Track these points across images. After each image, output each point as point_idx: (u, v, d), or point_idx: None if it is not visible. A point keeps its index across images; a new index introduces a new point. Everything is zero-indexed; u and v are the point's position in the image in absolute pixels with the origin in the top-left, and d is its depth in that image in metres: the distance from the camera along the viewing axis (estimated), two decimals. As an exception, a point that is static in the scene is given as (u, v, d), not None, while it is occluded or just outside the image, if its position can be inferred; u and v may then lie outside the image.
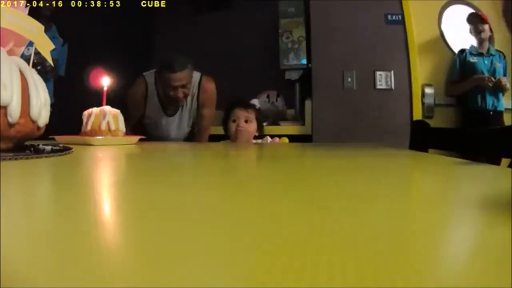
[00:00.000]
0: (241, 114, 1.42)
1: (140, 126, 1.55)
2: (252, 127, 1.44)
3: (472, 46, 2.19)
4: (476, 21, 2.16)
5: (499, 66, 2.15)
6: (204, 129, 1.61)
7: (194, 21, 2.65)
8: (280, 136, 1.47)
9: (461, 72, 2.17)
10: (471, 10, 2.34)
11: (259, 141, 1.44)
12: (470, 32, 2.21)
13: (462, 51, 2.21)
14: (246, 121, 1.42)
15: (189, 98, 1.55)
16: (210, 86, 1.58)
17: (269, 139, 1.44)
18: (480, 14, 2.16)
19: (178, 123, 1.60)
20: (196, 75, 1.55)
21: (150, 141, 1.20)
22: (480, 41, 2.16)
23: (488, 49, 2.16)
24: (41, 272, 0.11)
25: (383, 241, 0.15)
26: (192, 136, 1.65)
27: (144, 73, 1.56)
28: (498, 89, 2.12)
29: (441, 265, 0.13)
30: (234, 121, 1.42)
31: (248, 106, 1.47)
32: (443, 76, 2.26)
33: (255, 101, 1.50)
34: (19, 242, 0.14)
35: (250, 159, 0.74)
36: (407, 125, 1.97)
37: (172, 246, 0.14)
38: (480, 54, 2.16)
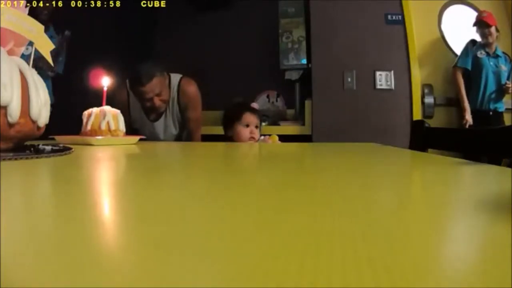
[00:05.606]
0: (253, 120, 1.43)
1: (131, 129, 1.54)
2: (259, 133, 1.45)
3: (481, 42, 2.18)
4: (482, 26, 2.15)
5: (504, 69, 2.14)
6: (193, 132, 1.59)
7: (194, 21, 2.65)
8: (270, 135, 1.47)
9: (470, 63, 2.16)
10: (471, 10, 2.34)
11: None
12: (477, 32, 2.20)
13: (473, 42, 2.19)
14: (255, 127, 1.44)
15: (170, 102, 1.53)
16: (190, 88, 1.54)
17: (261, 137, 1.46)
18: (486, 15, 2.14)
19: (164, 127, 1.58)
20: (176, 78, 1.53)
21: None
22: (487, 44, 2.15)
23: (495, 50, 2.16)
24: (41, 272, 0.11)
25: (383, 241, 0.15)
26: (181, 139, 1.63)
27: (127, 80, 1.53)
28: (500, 91, 2.12)
29: (441, 265, 0.13)
30: (246, 126, 1.42)
31: (257, 112, 1.47)
32: (443, 76, 2.27)
33: (255, 105, 1.50)
34: (19, 242, 0.14)
35: (250, 159, 0.74)
36: (407, 125, 1.97)
37: (173, 245, 0.14)
38: (486, 53, 2.16)
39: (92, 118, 0.91)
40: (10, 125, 0.49)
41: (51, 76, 1.99)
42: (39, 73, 0.57)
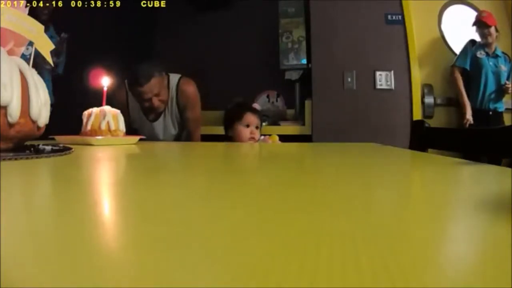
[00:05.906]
0: (254, 120, 1.43)
1: (131, 129, 1.53)
2: (259, 133, 1.46)
3: (480, 42, 2.19)
4: (482, 26, 2.15)
5: (504, 69, 2.14)
6: (193, 132, 1.58)
7: (194, 21, 2.66)
8: (270, 135, 1.48)
9: (469, 63, 2.16)
10: (471, 10, 2.34)
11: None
12: (476, 32, 2.20)
13: (473, 42, 2.20)
14: (256, 127, 1.44)
15: (169, 102, 1.53)
16: (189, 88, 1.53)
17: (261, 137, 1.46)
18: (486, 15, 2.14)
19: (163, 127, 1.58)
20: (174, 78, 1.52)
21: None
22: (487, 44, 2.16)
23: (494, 50, 2.16)
24: (41, 272, 0.11)
25: (383, 241, 0.15)
26: (180, 139, 1.62)
27: (125, 80, 1.52)
28: (500, 91, 2.12)
29: (441, 265, 0.13)
30: (247, 126, 1.42)
31: (258, 113, 1.48)
32: (443, 76, 2.27)
33: (256, 105, 1.50)
34: (19, 242, 0.14)
35: (250, 159, 0.74)
36: (407, 125, 1.97)
37: (173, 245, 0.14)
38: (486, 53, 2.16)
39: (92, 118, 0.91)
40: (10, 125, 0.49)
41: (49, 73, 1.99)
42: (39, 73, 0.57)
